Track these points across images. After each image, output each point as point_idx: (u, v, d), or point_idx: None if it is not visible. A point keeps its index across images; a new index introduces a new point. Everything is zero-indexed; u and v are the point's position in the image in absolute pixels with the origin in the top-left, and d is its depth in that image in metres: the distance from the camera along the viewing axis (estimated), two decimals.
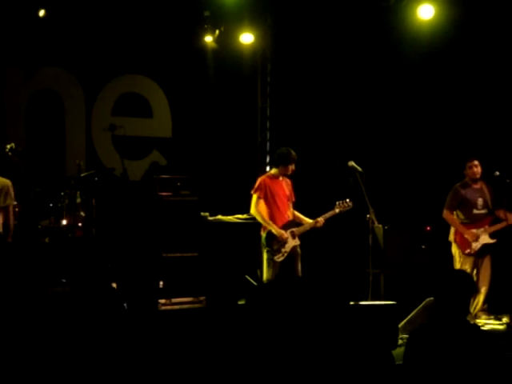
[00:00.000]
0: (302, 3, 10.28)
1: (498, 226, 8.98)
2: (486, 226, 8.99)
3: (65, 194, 9.31)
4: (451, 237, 9.17)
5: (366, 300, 8.20)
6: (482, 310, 8.93)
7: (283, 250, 8.51)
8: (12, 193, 7.85)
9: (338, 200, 8.71)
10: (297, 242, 8.61)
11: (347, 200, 8.66)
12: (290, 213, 8.75)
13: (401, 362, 4.21)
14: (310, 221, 8.72)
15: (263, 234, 8.59)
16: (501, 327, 8.58)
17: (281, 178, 8.72)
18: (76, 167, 9.75)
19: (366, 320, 6.75)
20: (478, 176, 9.05)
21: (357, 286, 8.52)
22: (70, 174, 10.07)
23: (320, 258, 9.97)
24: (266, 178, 8.74)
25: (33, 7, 9.63)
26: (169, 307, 8.71)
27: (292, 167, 8.63)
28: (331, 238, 10.04)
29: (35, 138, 10.32)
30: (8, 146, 8.84)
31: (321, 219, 8.64)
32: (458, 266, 8.96)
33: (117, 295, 4.83)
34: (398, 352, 4.33)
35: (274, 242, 8.52)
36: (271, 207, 8.60)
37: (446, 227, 9.24)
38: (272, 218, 8.61)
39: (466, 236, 8.99)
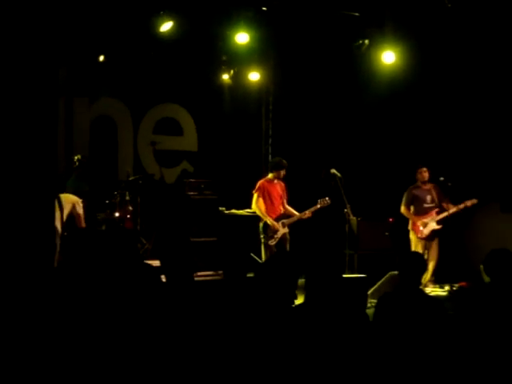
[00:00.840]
0: (297, 51, 10.26)
1: (443, 215, 9.04)
2: (434, 215, 9.05)
3: (117, 193, 9.35)
4: (410, 226, 9.23)
5: (344, 274, 8.03)
6: (430, 280, 9.01)
7: (275, 236, 8.57)
8: (78, 207, 7.93)
9: (320, 198, 8.74)
10: (286, 230, 8.65)
11: (326, 198, 8.69)
12: (282, 208, 8.77)
13: (371, 320, 4.22)
14: (298, 214, 8.77)
15: (260, 224, 8.65)
16: (443, 293, 8.69)
17: (276, 181, 8.74)
18: (126, 173, 9.87)
19: (344, 288, 6.83)
20: (426, 179, 9.14)
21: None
22: (121, 178, 10.06)
23: (309, 241, 9.85)
24: (264, 181, 8.75)
25: (95, 53, 9.61)
26: (195, 279, 8.73)
27: (283, 172, 8.67)
28: (318, 227, 9.98)
29: (96, 151, 10.28)
30: (76, 157, 9.09)
31: (308, 212, 8.69)
32: (413, 248, 9.01)
33: (154, 270, 4.73)
34: (368, 312, 4.37)
35: (269, 230, 8.58)
36: (267, 203, 8.65)
37: (405, 219, 9.31)
38: (268, 211, 8.63)
39: (417, 223, 9.06)
